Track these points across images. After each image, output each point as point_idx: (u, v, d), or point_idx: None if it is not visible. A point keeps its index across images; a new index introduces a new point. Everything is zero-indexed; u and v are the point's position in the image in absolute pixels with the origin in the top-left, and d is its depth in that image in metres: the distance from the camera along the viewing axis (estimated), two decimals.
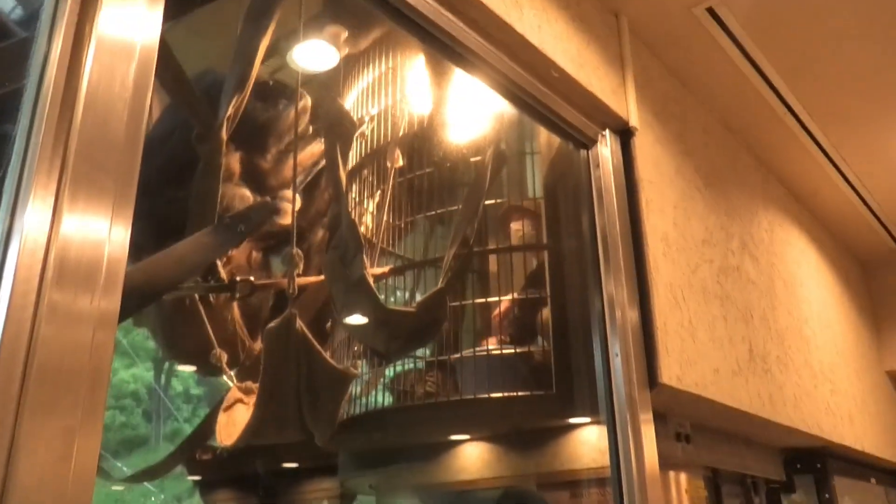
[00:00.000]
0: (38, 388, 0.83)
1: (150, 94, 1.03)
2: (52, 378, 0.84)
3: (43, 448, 0.82)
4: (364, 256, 1.93)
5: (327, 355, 2.20)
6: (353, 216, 1.99)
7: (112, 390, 16.45)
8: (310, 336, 2.10)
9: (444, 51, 1.78)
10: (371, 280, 1.95)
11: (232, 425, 2.36)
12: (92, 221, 0.92)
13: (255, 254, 2.72)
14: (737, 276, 2.65)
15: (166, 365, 14.73)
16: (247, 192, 2.55)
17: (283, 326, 2.01)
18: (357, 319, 2.57)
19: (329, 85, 2.36)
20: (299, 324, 2.08)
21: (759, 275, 2.86)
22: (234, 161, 2.62)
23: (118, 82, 0.99)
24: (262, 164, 2.67)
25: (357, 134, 2.97)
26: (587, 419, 2.16)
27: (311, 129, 2.83)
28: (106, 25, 1.00)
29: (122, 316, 2.01)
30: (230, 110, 2.31)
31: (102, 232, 0.93)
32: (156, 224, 2.35)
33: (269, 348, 2.05)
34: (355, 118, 2.99)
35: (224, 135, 2.31)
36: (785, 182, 3.46)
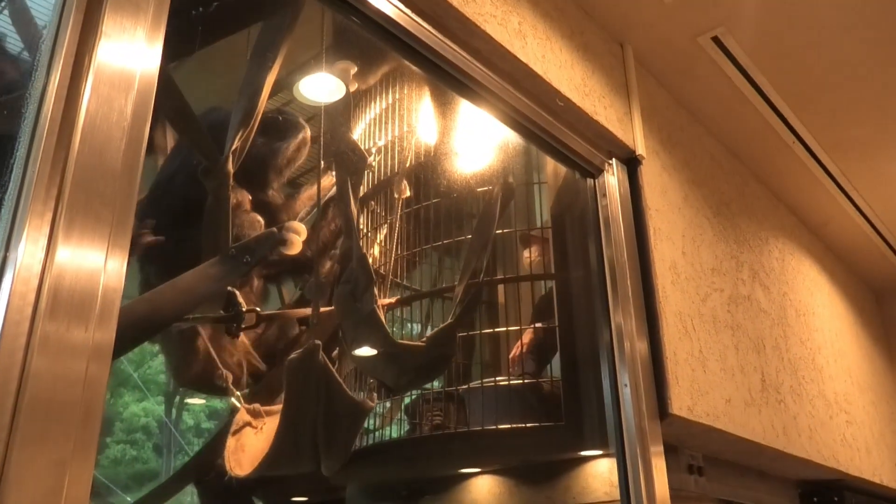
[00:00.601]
0: (30, 420, 0.81)
1: (147, 125, 1.03)
2: (43, 410, 0.83)
3: (33, 481, 0.80)
4: (375, 290, 1.92)
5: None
6: (363, 249, 1.98)
7: (123, 424, 16.39)
8: (331, 367, 2.08)
9: (449, 82, 1.79)
10: (382, 314, 1.94)
11: (241, 451, 2.34)
12: (87, 252, 0.91)
13: (256, 282, 2.71)
14: (748, 305, 2.62)
15: (177, 399, 14.69)
16: (258, 218, 2.56)
17: (307, 357, 2.00)
18: (366, 351, 2.56)
19: (339, 118, 2.37)
20: (322, 355, 2.07)
21: (771, 304, 2.82)
22: (242, 192, 2.63)
23: (116, 113, 0.99)
24: (269, 195, 2.68)
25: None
26: (598, 451, 2.12)
27: (322, 163, 2.85)
28: (105, 57, 1.00)
29: (128, 347, 1.99)
30: (236, 144, 2.33)
31: (98, 262, 0.92)
32: (171, 262, 2.35)
33: (292, 378, 2.03)
34: (363, 149, 3.01)
35: (230, 168, 2.33)
36: (795, 211, 3.43)
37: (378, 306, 1.95)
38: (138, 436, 16.63)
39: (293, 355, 1.94)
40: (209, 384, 2.58)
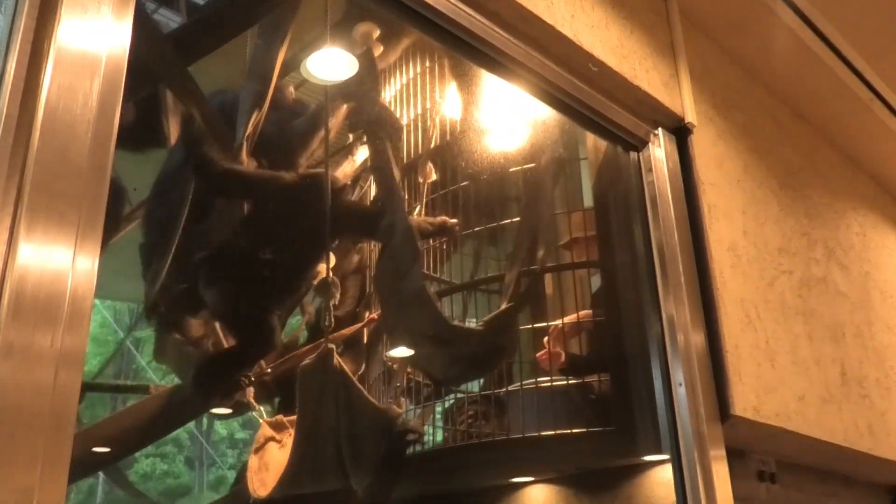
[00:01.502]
0: None
1: (117, 114, 1.01)
2: (8, 425, 0.82)
3: None
4: (421, 266, 1.89)
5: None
6: (408, 220, 1.95)
7: None
8: (348, 372, 2.07)
9: (468, 52, 1.74)
10: (433, 293, 1.90)
11: (264, 470, 2.35)
12: (52, 253, 0.90)
13: None
14: (822, 288, 2.53)
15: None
16: None
17: (320, 363, 1.99)
18: (402, 352, 2.54)
19: (367, 88, 2.36)
20: (337, 359, 2.06)
21: (851, 286, 2.73)
22: None
23: (80, 102, 0.98)
24: None
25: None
26: (664, 456, 2.07)
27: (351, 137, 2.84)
28: (66, 38, 0.98)
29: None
30: (249, 128, 2.33)
31: (65, 264, 0.91)
32: (183, 262, 2.37)
33: (305, 387, 2.03)
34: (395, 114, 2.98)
35: (245, 155, 2.33)
36: (876, 178, 3.31)
37: (428, 286, 1.92)
38: (168, 448, 17.02)
39: (305, 362, 1.94)
40: (229, 399, 2.61)
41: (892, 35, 2.52)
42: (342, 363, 1.95)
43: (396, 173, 2.26)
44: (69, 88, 0.97)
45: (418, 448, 2.41)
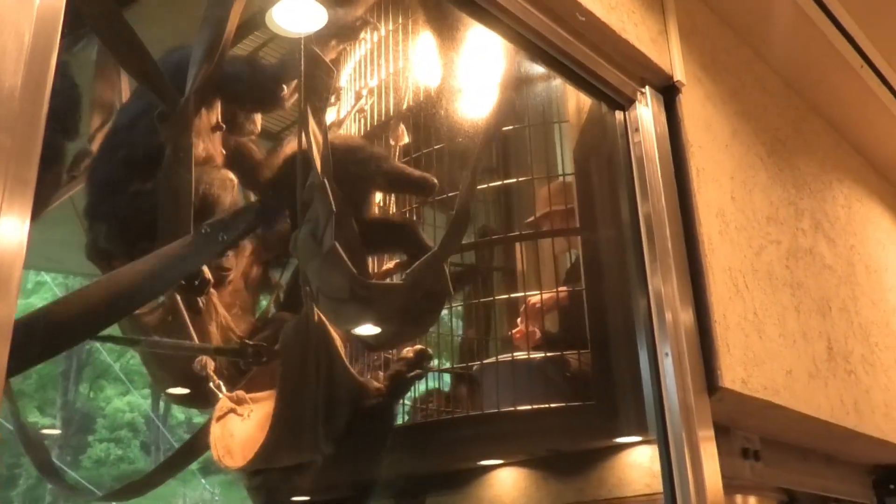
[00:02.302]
0: None
1: (54, 55, 0.91)
2: None
3: None
4: (334, 224, 1.81)
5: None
6: (324, 178, 1.87)
7: (105, 421, 16.56)
8: (332, 331, 1.99)
9: None
10: (343, 252, 1.82)
11: (229, 437, 2.29)
12: None
13: (254, 269, 2.62)
14: (810, 259, 2.50)
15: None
16: (230, 175, 2.45)
17: (303, 322, 1.93)
18: (368, 330, 2.46)
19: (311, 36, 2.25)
20: (318, 314, 1.97)
21: (837, 259, 2.70)
22: (212, 142, 2.52)
23: (11, 39, 0.87)
24: (244, 147, 2.58)
25: (356, 110, 2.88)
26: (637, 438, 2.04)
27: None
28: None
29: (83, 337, 1.90)
30: (198, 83, 2.22)
31: None
32: (124, 222, 2.27)
33: (288, 350, 1.97)
34: (352, 92, 2.89)
35: (192, 112, 2.22)
36: (863, 150, 3.29)
37: (339, 246, 1.84)
38: (123, 433, 16.80)
39: (289, 323, 1.87)
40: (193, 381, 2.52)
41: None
42: (324, 319, 1.87)
43: (317, 132, 2.15)
44: None
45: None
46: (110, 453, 16.20)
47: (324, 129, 2.02)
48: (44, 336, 1.64)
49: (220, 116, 2.43)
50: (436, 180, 2.42)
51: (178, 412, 15.79)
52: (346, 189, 2.31)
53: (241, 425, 2.32)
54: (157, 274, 1.93)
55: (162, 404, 16.08)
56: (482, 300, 2.69)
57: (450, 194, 2.48)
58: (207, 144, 2.48)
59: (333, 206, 1.79)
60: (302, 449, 1.96)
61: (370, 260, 2.67)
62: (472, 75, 2.58)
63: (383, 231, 2.40)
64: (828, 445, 2.59)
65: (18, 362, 1.13)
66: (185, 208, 2.17)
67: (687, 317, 1.88)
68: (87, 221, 2.36)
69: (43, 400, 15.82)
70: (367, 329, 1.99)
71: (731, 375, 1.88)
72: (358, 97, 2.83)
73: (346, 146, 2.38)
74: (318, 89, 2.04)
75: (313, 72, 2.05)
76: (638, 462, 2.07)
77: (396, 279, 2.43)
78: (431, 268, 1.90)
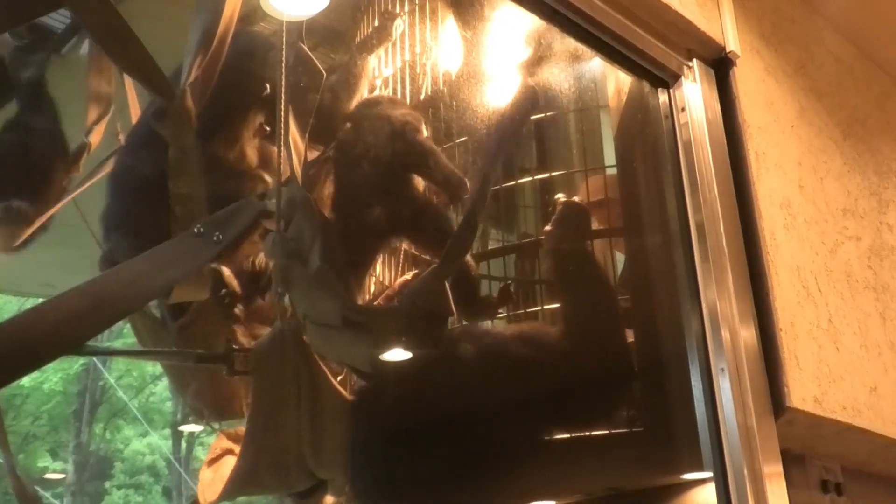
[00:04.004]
0: None
1: None
2: None
3: None
4: (321, 243, 1.79)
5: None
6: (306, 191, 1.86)
7: (124, 465, 16.82)
8: (311, 351, 1.99)
9: None
10: (332, 274, 1.80)
11: (219, 482, 2.29)
12: None
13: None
14: None
15: (185, 431, 14.99)
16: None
17: (277, 340, 1.93)
18: (397, 355, 2.43)
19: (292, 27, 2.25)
20: (299, 335, 1.96)
21: None
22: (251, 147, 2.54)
23: None
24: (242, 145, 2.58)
25: None
26: (707, 473, 1.94)
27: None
28: None
29: (58, 353, 1.89)
30: (194, 73, 2.21)
31: None
32: (147, 234, 2.29)
33: (261, 368, 1.96)
34: (364, 82, 2.87)
35: (191, 105, 2.21)
36: None
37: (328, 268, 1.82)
38: (144, 478, 17.07)
39: (260, 339, 1.85)
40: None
41: None
42: (305, 343, 1.86)
43: (299, 138, 2.12)
44: None
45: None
46: (129, 501, 16.44)
47: (305, 134, 2.01)
48: (14, 350, 1.62)
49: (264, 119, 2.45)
50: (468, 182, 2.39)
51: (202, 453, 15.98)
52: (380, 168, 2.31)
53: None
54: (145, 279, 1.90)
55: (184, 445, 16.30)
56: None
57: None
58: (244, 147, 2.51)
59: (320, 224, 1.77)
60: (287, 477, 1.93)
61: (391, 268, 2.65)
62: (498, 59, 2.55)
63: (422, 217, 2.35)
64: None
65: None
66: (196, 214, 2.17)
67: (746, 325, 1.81)
68: (102, 230, 2.40)
69: (55, 442, 16.16)
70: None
71: (802, 393, 1.80)
72: (371, 89, 2.82)
73: (401, 120, 2.35)
74: (303, 89, 2.03)
75: (299, 70, 2.04)
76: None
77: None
78: (433, 286, 1.87)
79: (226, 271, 2.36)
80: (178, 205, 2.20)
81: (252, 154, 2.55)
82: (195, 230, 2.04)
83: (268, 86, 2.42)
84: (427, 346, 1.93)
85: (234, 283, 2.36)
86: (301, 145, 1.94)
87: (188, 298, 2.29)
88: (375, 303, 2.44)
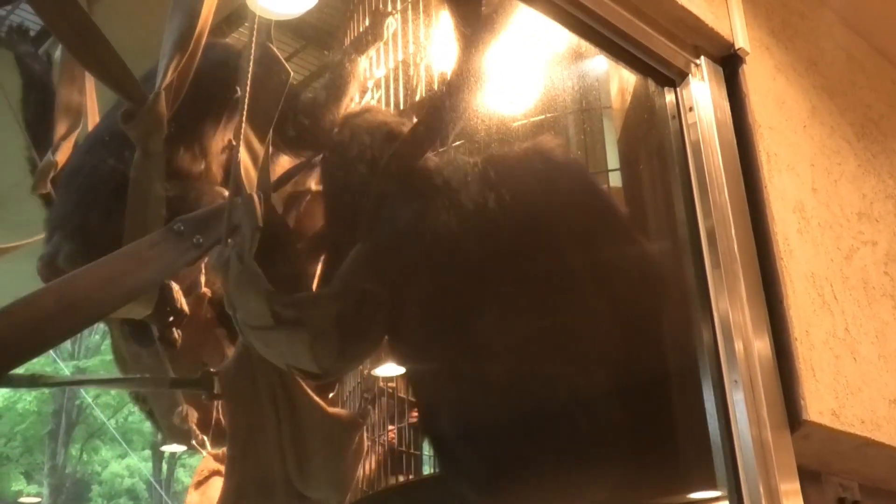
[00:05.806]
0: None
1: None
2: None
3: None
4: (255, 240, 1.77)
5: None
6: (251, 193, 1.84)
7: (102, 488, 16.72)
8: (287, 371, 1.97)
9: None
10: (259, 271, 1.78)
11: None
12: None
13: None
14: None
15: (166, 452, 14.92)
16: (224, 193, 2.44)
17: (243, 356, 1.90)
18: (390, 370, 2.41)
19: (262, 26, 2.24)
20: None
21: None
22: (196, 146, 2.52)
23: None
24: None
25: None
26: (717, 493, 1.93)
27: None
28: None
29: (27, 355, 1.86)
30: (169, 76, 2.20)
31: None
32: (93, 242, 2.27)
33: (231, 392, 1.97)
34: (356, 83, 2.87)
35: (163, 109, 2.20)
36: None
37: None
38: (122, 502, 16.95)
39: (225, 362, 1.84)
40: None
41: None
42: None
43: (256, 144, 2.11)
44: None
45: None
46: None
47: (267, 140, 2.00)
48: None
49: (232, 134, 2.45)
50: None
51: (184, 475, 15.90)
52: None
53: None
54: (120, 279, 1.88)
55: (165, 466, 16.22)
56: None
57: None
58: (209, 159, 2.50)
59: (259, 221, 1.75)
60: (274, 501, 1.92)
61: None
62: (498, 58, 2.55)
63: None
64: None
65: None
66: (154, 222, 2.15)
67: (760, 335, 1.81)
68: (48, 232, 2.37)
69: (30, 465, 16.04)
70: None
71: (819, 406, 1.79)
72: (363, 91, 2.81)
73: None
74: (269, 92, 2.02)
75: (266, 71, 2.04)
76: None
77: None
78: (362, 263, 1.85)
79: (175, 287, 2.32)
80: (137, 209, 2.19)
81: (217, 170, 2.53)
82: (175, 227, 2.02)
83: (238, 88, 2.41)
84: (373, 333, 1.90)
85: (183, 302, 2.32)
86: (259, 149, 1.93)
87: (129, 315, 2.26)
88: None
